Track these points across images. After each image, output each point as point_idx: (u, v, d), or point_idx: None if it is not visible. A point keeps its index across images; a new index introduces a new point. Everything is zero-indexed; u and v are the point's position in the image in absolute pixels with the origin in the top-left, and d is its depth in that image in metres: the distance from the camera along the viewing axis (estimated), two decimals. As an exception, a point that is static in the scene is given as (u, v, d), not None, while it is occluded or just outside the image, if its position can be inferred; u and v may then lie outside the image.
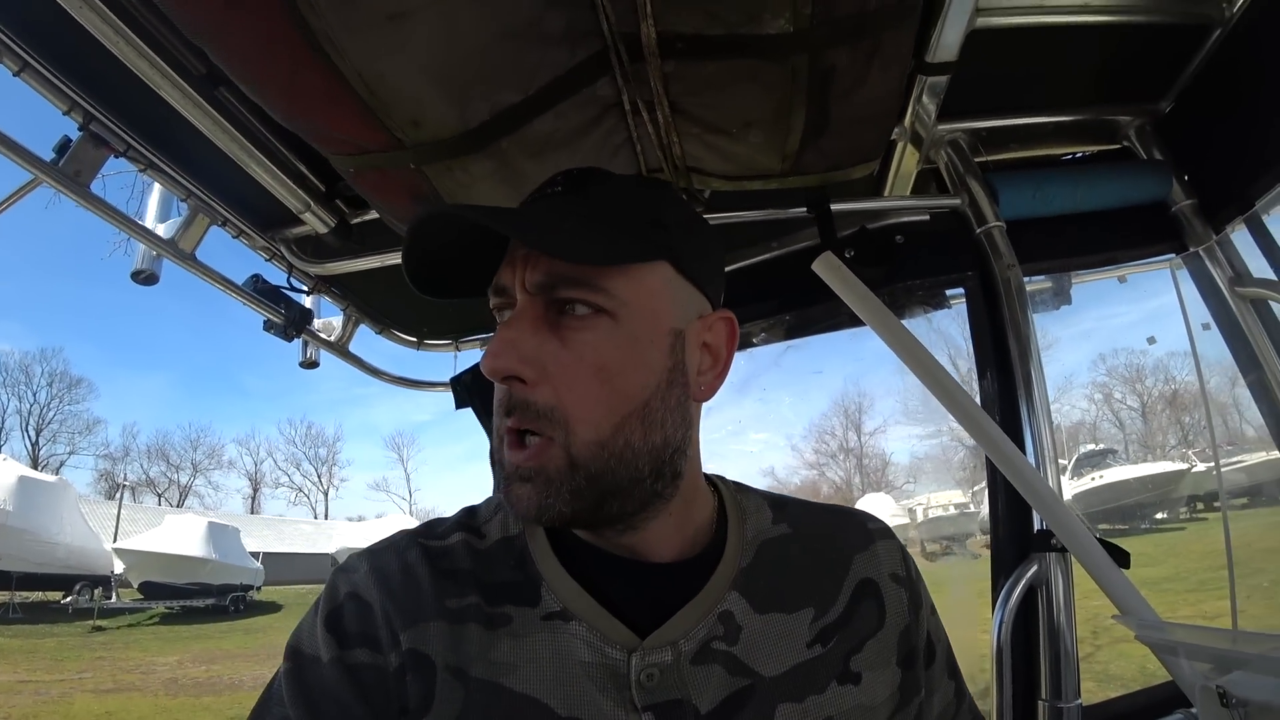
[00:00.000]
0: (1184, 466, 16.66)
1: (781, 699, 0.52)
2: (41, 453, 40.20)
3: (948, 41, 0.87)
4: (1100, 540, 0.85)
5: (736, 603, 0.55)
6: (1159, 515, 16.50)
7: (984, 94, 1.15)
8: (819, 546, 0.61)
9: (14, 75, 0.90)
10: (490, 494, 0.64)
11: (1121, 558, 0.84)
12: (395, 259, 1.30)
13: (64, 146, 1.04)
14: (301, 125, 0.69)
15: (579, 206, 0.53)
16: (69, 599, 17.32)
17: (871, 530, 0.64)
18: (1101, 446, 23.67)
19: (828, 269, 0.90)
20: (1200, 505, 15.49)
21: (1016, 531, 1.05)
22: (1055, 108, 1.20)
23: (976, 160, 1.18)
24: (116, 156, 1.09)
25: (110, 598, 18.52)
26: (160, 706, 8.37)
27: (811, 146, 0.75)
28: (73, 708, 8.21)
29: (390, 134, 0.64)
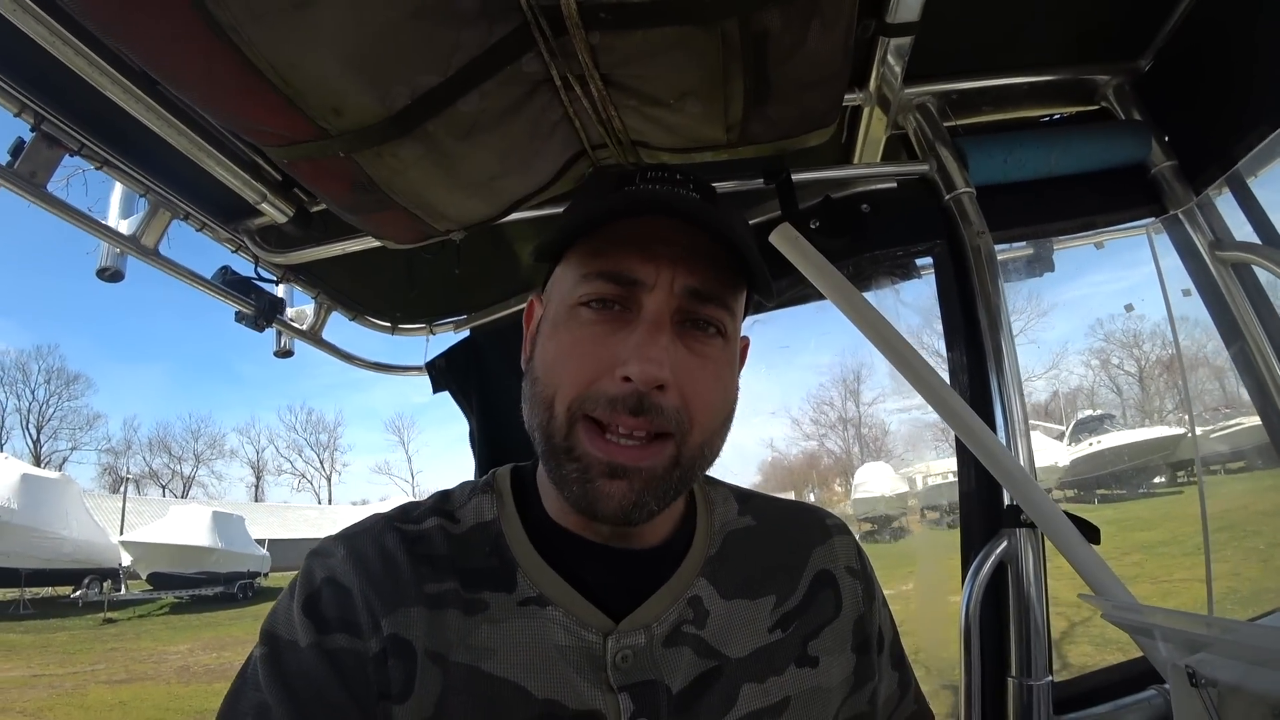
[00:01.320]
0: (1181, 431, 16.74)
1: (745, 679, 0.55)
2: (43, 450, 40.39)
3: (909, 0, 0.84)
4: (1069, 515, 0.84)
5: (704, 589, 0.58)
6: (1156, 480, 16.64)
7: (953, 55, 1.11)
8: (781, 539, 0.65)
9: (-38, 79, 0.88)
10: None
11: (1091, 533, 0.83)
12: (361, 245, 1.29)
13: (18, 148, 1.04)
14: (224, 119, 0.67)
15: (723, 220, 0.52)
16: (78, 593, 17.54)
17: (829, 526, 0.68)
18: (1099, 412, 23.75)
19: (785, 241, 0.88)
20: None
21: (985, 507, 1.04)
22: (1029, 68, 1.16)
23: (947, 125, 1.15)
24: (71, 155, 1.08)
25: (119, 590, 18.74)
26: (173, 694, 8.51)
27: (757, 115, 0.72)
28: (87, 699, 8.34)
29: (313, 123, 0.63)
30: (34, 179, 1.04)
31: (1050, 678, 0.95)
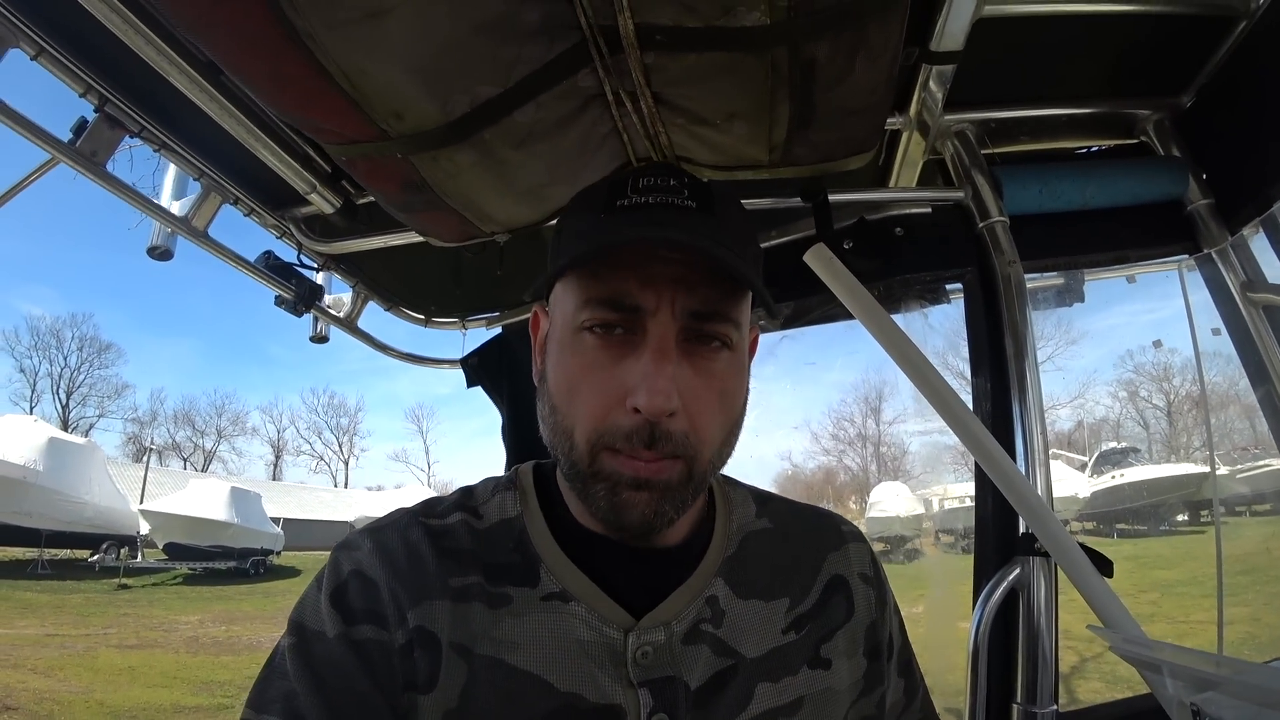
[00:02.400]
0: (1205, 469, 16.31)
1: (760, 678, 0.56)
2: (71, 415, 41.48)
3: (953, 29, 0.85)
4: (1084, 547, 0.84)
5: (721, 589, 0.59)
6: (1179, 517, 16.23)
7: (994, 84, 1.12)
8: (796, 543, 0.66)
9: (31, 59, 0.94)
10: (500, 469, 0.65)
11: (1104, 566, 0.83)
12: (401, 239, 1.33)
13: (81, 127, 1.08)
14: (291, 116, 0.70)
15: (719, 231, 0.53)
16: (96, 557, 17.94)
17: (845, 532, 0.69)
18: (1124, 445, 23.24)
19: (819, 261, 0.89)
20: (1222, 509, 15.20)
21: (1000, 533, 1.04)
22: (1069, 100, 1.17)
23: (984, 152, 1.15)
24: (131, 137, 1.13)
25: (136, 557, 19.15)
26: (181, 663, 8.67)
27: (799, 139, 0.74)
28: (97, 661, 8.53)
29: (375, 125, 0.66)
30: (94, 158, 1.08)
31: (1055, 707, 0.95)
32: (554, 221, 0.93)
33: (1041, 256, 1.17)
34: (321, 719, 0.48)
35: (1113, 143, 1.26)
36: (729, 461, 0.59)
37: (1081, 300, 1.59)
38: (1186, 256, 1.21)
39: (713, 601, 0.58)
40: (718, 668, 0.55)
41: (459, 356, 1.89)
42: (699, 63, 0.62)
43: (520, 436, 1.68)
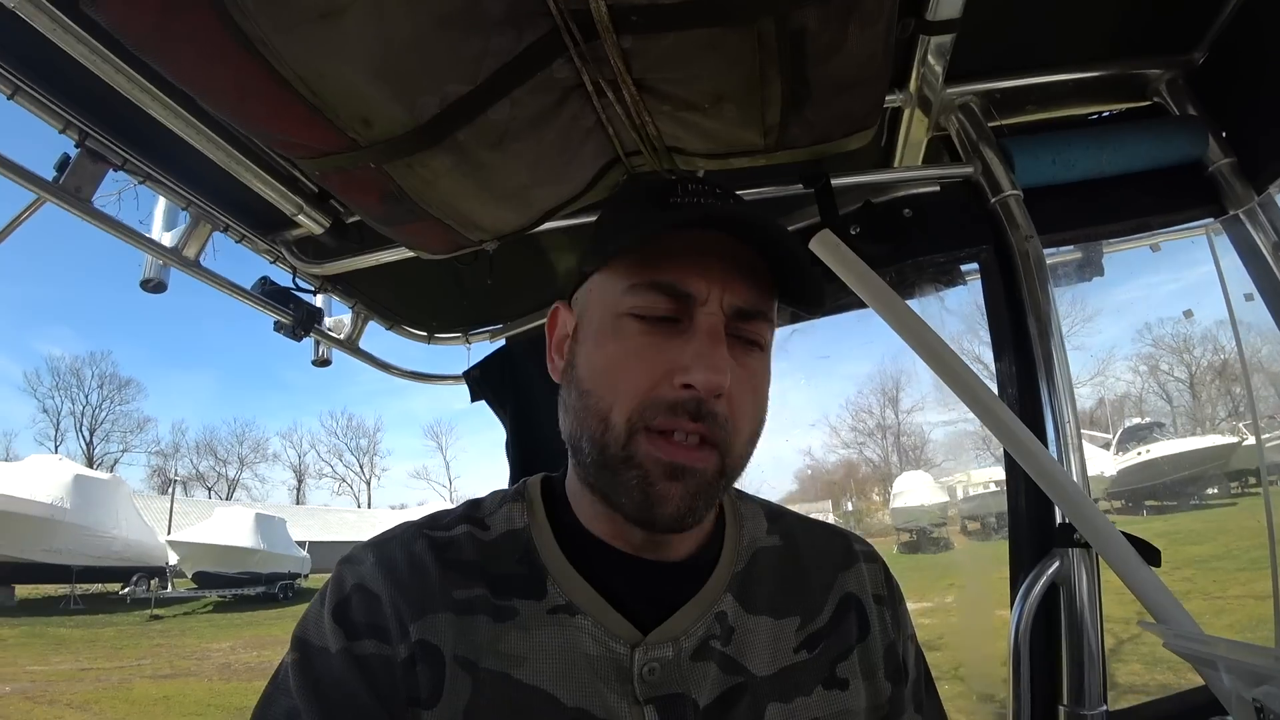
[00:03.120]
0: (1234, 440, 16.01)
1: (771, 698, 0.55)
2: (96, 451, 42.18)
3: (950, -4, 0.81)
4: (1127, 536, 0.79)
5: (730, 605, 0.57)
6: (1209, 490, 15.93)
7: (996, 52, 1.07)
8: (808, 559, 0.64)
9: (8, 99, 0.92)
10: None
11: (1151, 555, 0.78)
12: (396, 255, 1.31)
13: (64, 164, 1.07)
14: (256, 131, 0.68)
15: (786, 238, 0.53)
16: (127, 590, 18.23)
17: (857, 551, 0.67)
18: (1148, 420, 22.85)
19: (825, 248, 0.85)
20: (1252, 480, 14.88)
21: (1037, 525, 0.98)
22: (1075, 64, 1.11)
23: (990, 125, 1.10)
24: (115, 170, 1.12)
25: (166, 588, 19.42)
26: (215, 691, 8.76)
27: (795, 119, 0.70)
28: (132, 693, 8.63)
29: (344, 134, 0.63)
30: (79, 194, 1.07)
31: (1105, 707, 0.90)
32: (542, 226, 0.89)
33: (1059, 229, 1.12)
34: None
35: (1125, 106, 1.20)
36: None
37: (1101, 274, 1.53)
38: (1212, 220, 1.15)
39: (722, 618, 0.56)
40: (726, 686, 0.54)
41: (461, 371, 1.88)
42: (680, 42, 0.58)
43: (525, 449, 1.65)
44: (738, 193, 1.00)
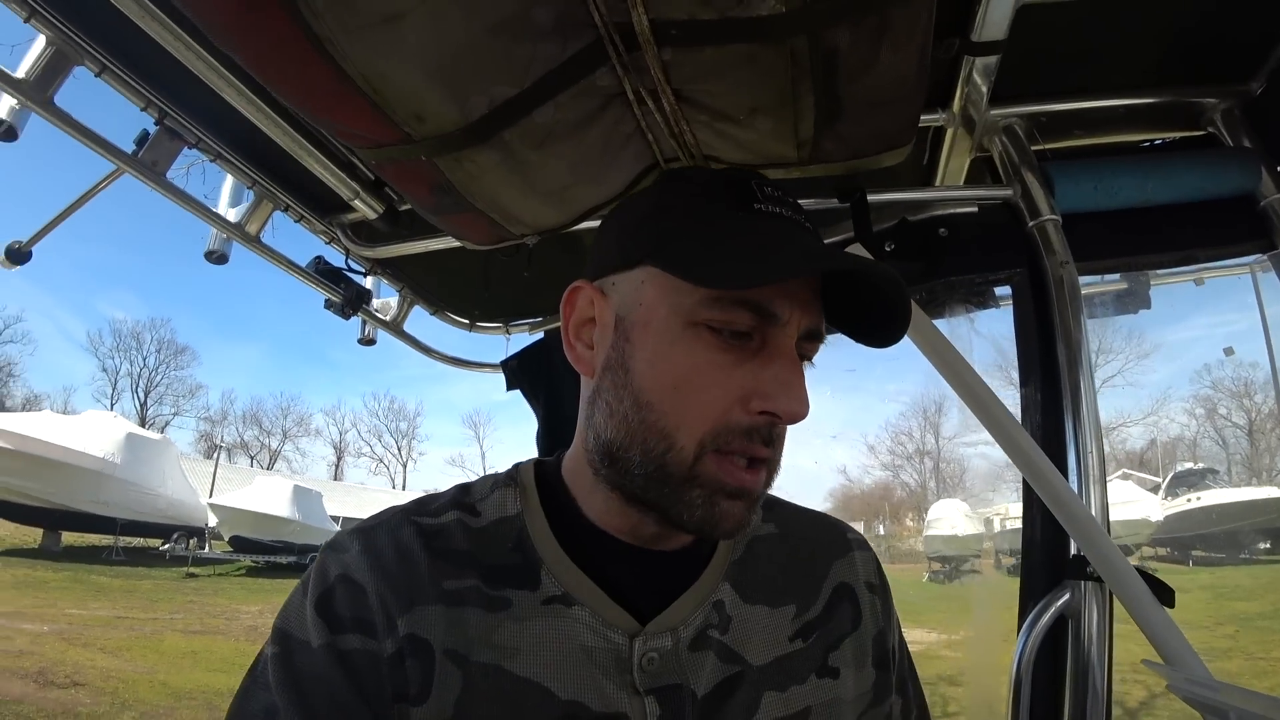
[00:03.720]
0: (1291, 492, 15.13)
1: (767, 687, 0.55)
2: (149, 413, 44.20)
3: (994, 17, 0.81)
4: (1142, 573, 0.78)
5: (728, 593, 0.57)
6: (1261, 545, 15.08)
7: (1043, 75, 1.06)
8: (802, 548, 0.65)
9: (95, 76, 1.01)
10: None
11: (1165, 594, 0.77)
12: (443, 244, 1.36)
13: (143, 139, 1.16)
14: (320, 122, 0.73)
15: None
16: (166, 546, 19.02)
17: (850, 540, 0.68)
18: (1200, 465, 21.76)
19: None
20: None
21: (1050, 555, 0.97)
22: (1126, 90, 1.08)
23: (1035, 149, 1.09)
24: (189, 148, 1.20)
25: (203, 548, 20.19)
26: (240, 651, 9.07)
27: (828, 133, 0.72)
28: (163, 644, 9.02)
29: (398, 128, 0.67)
30: (155, 168, 1.15)
31: (1107, 746, 0.88)
32: (582, 225, 0.93)
33: (1098, 257, 1.10)
34: None
35: (1176, 135, 1.17)
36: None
37: (1147, 306, 1.49)
38: (1262, 256, 1.11)
39: (719, 606, 0.56)
40: (724, 675, 0.54)
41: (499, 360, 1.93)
42: (717, 56, 0.61)
43: (555, 440, 1.69)
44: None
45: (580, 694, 0.50)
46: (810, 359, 0.55)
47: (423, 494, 0.63)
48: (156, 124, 1.14)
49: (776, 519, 0.66)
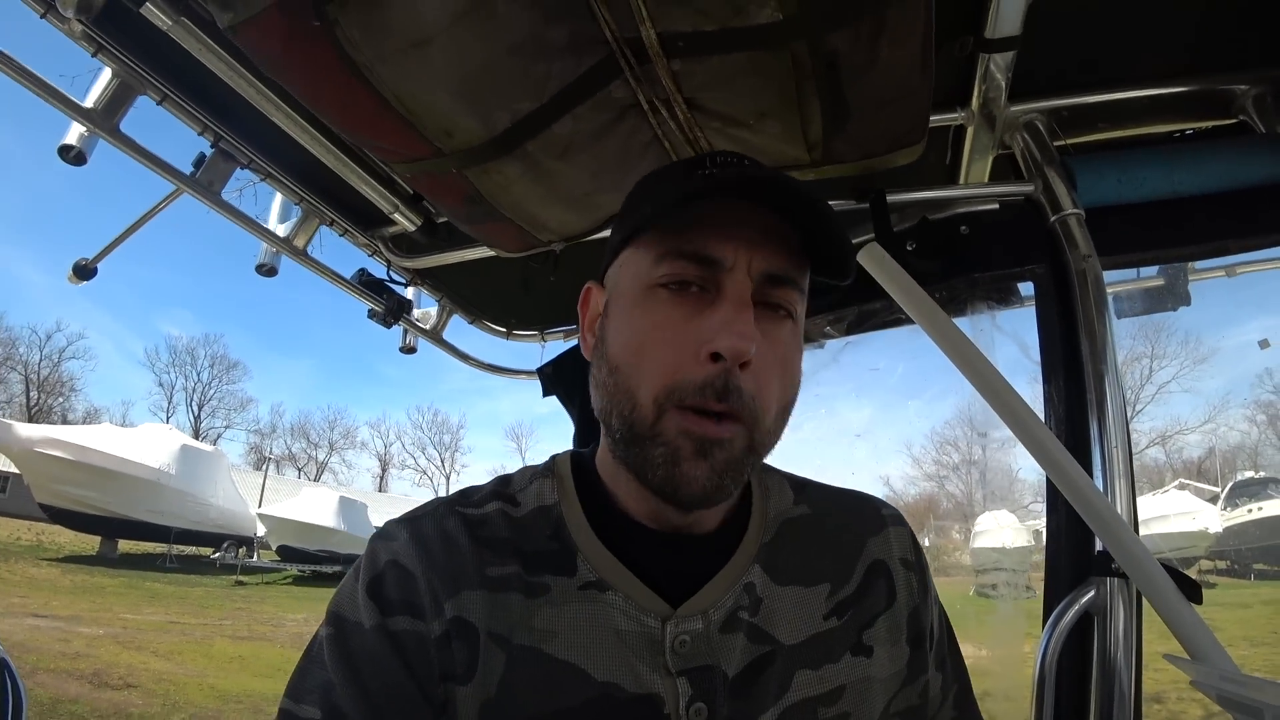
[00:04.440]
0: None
1: (800, 665, 0.55)
2: (202, 425, 45.88)
3: (1008, 13, 0.81)
4: (1167, 568, 0.76)
5: (759, 575, 0.58)
6: (1328, 560, 14.19)
7: (1063, 69, 1.04)
8: (835, 527, 0.64)
9: (157, 104, 1.09)
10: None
11: (1192, 591, 0.75)
12: (478, 254, 1.41)
13: (200, 161, 1.25)
14: (360, 140, 0.79)
15: (807, 195, 0.52)
16: (217, 555, 19.73)
17: (885, 516, 0.67)
18: (1262, 474, 20.60)
19: (873, 261, 0.87)
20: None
21: (1075, 552, 0.96)
22: (1150, 80, 1.06)
23: (1058, 144, 1.08)
24: (242, 168, 1.29)
25: (252, 557, 20.81)
26: (286, 658, 9.27)
27: (838, 134, 0.74)
28: (212, 649, 9.31)
29: (430, 144, 0.72)
30: (211, 187, 1.24)
31: (1136, 747, 0.85)
32: (606, 232, 0.96)
33: (1124, 250, 1.08)
34: (358, 710, 0.49)
35: (1206, 124, 1.14)
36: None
37: (1187, 303, 1.45)
38: (1296, 248, 1.08)
39: (750, 589, 0.57)
40: (754, 655, 0.55)
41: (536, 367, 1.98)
42: (723, 64, 0.64)
43: (590, 443, 1.72)
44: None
45: (615, 675, 0.51)
46: (788, 307, 0.54)
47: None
48: (212, 147, 1.23)
49: (809, 500, 0.66)
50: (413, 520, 0.58)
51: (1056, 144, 1.07)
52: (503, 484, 0.62)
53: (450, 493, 0.62)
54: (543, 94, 0.67)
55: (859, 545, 0.64)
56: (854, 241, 1.24)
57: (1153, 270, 1.44)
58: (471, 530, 0.56)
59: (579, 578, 0.55)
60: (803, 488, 0.67)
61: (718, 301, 0.51)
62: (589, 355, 0.61)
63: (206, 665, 8.42)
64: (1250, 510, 15.33)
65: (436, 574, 0.53)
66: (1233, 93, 1.08)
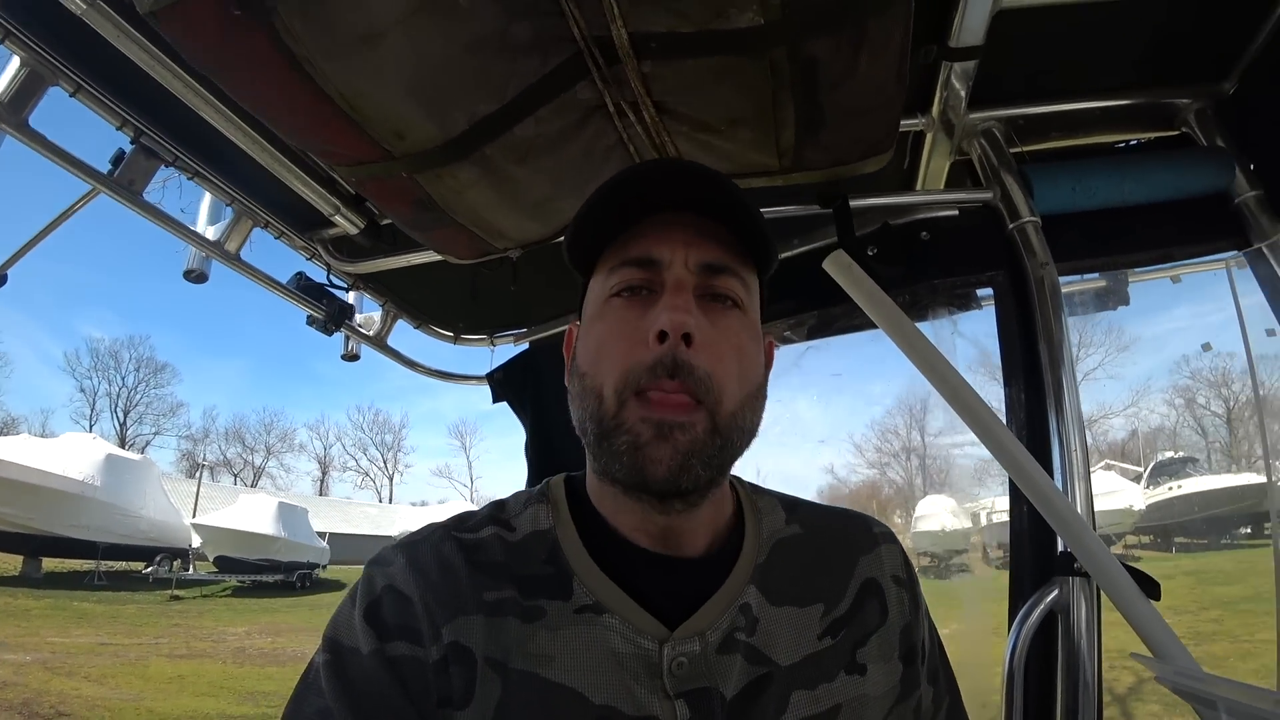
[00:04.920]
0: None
1: (796, 686, 0.56)
2: (129, 433, 43.35)
3: (971, 24, 0.82)
4: (1128, 567, 0.79)
5: (754, 596, 0.58)
6: (1242, 530, 15.38)
7: (1020, 79, 1.08)
8: (827, 546, 0.65)
9: (70, 96, 0.99)
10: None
11: (1150, 588, 0.78)
12: (425, 258, 1.35)
13: (118, 158, 1.14)
14: (300, 141, 0.73)
15: (726, 183, 0.56)
16: (150, 569, 18.69)
17: (876, 534, 0.68)
18: (1181, 454, 22.16)
19: (838, 268, 0.87)
20: (1285, 522, 14.33)
21: (1038, 552, 0.98)
22: (1102, 92, 1.11)
23: (1013, 151, 1.11)
24: (166, 166, 1.18)
25: (188, 569, 19.84)
26: (228, 674, 8.89)
27: (809, 142, 0.73)
28: (148, 670, 8.81)
29: (379, 146, 0.67)
30: (132, 187, 1.14)
31: (1100, 739, 0.89)
32: (564, 236, 0.93)
33: (1078, 257, 1.11)
34: None
35: (1152, 135, 1.20)
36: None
37: (1126, 303, 1.52)
38: (1236, 253, 1.13)
39: (746, 610, 0.57)
40: (752, 676, 0.55)
41: (485, 372, 1.92)
42: (697, 68, 0.61)
43: (543, 450, 1.68)
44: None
45: (613, 699, 0.51)
46: (732, 296, 0.56)
47: (409, 506, 0.62)
48: (132, 143, 1.13)
49: (800, 520, 0.66)
50: (409, 545, 0.58)
51: (1013, 150, 1.10)
52: (498, 509, 0.62)
53: (447, 518, 0.62)
54: (504, 95, 0.63)
55: (851, 564, 0.64)
56: (817, 246, 1.26)
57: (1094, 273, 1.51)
58: (468, 555, 0.56)
59: (575, 601, 0.54)
60: (794, 507, 0.67)
61: (663, 295, 0.54)
62: (569, 382, 0.61)
63: (143, 688, 7.97)
64: (1170, 488, 16.50)
65: (433, 599, 0.53)
66: (1176, 106, 1.14)
